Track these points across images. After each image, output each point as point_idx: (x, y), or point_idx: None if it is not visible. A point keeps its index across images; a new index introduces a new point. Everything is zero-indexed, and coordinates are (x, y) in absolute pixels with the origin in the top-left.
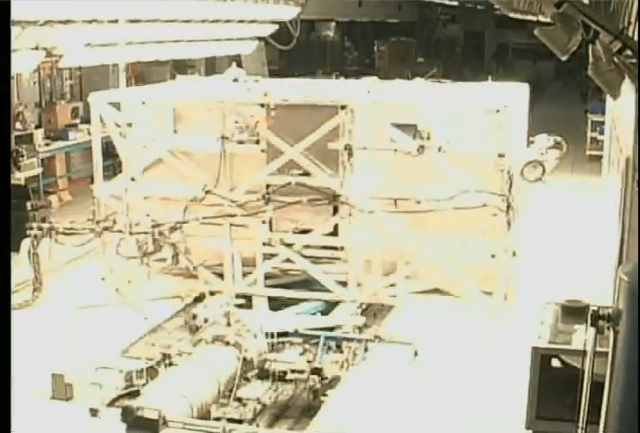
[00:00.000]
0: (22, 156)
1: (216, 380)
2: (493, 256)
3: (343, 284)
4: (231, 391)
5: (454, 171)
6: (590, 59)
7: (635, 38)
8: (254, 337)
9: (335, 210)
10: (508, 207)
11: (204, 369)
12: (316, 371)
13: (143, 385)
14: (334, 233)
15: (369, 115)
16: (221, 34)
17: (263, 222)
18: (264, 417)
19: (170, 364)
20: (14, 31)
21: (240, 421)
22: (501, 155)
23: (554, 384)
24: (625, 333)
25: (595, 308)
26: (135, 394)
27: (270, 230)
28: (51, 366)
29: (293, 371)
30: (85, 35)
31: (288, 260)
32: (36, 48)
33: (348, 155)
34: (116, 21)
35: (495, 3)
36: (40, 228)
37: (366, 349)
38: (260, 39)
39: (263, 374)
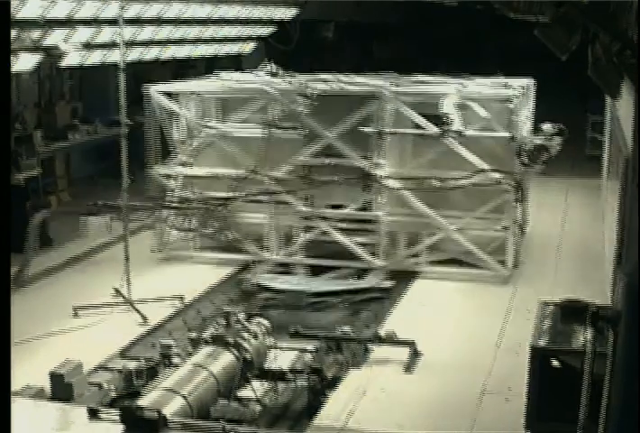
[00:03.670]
0: (21, 156)
1: (216, 380)
2: (505, 228)
3: (373, 254)
4: (231, 391)
5: (471, 153)
6: (590, 59)
7: (635, 38)
8: (254, 338)
9: (367, 188)
10: (518, 184)
11: (204, 369)
12: (316, 371)
13: (143, 385)
14: (365, 208)
15: (396, 103)
16: (221, 34)
17: (303, 198)
18: (264, 417)
19: (170, 364)
20: (14, 31)
21: (240, 421)
22: (512, 139)
23: (554, 384)
24: (625, 333)
25: (595, 309)
26: (135, 394)
27: (309, 206)
28: (51, 366)
29: (293, 371)
30: (85, 35)
31: (323, 232)
32: (35, 48)
33: (378, 139)
34: (116, 21)
35: (495, 3)
36: (96, 205)
37: (366, 349)
38: (260, 39)
39: (263, 374)
